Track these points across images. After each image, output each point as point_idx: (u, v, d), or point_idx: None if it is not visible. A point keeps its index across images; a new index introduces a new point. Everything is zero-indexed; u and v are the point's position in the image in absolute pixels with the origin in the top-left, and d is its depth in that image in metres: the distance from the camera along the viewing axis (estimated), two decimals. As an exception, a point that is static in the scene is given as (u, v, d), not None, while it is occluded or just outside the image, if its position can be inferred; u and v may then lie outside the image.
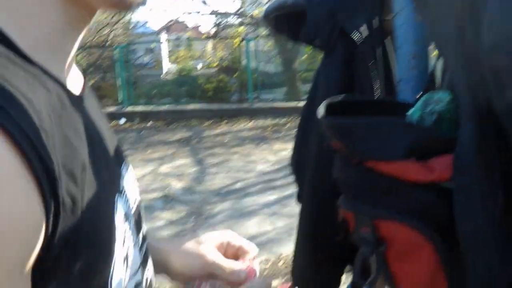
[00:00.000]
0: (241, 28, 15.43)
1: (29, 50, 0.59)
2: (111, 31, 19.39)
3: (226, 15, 14.39)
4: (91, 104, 0.75)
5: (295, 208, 1.51)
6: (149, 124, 12.31)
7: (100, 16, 20.72)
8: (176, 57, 25.79)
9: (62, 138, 0.57)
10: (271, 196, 6.05)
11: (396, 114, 0.86)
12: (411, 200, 0.78)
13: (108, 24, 19.81)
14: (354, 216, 0.85)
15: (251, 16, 14.04)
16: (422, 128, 0.80)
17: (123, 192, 0.74)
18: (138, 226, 0.81)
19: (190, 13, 14.20)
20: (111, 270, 0.65)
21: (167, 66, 25.33)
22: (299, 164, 1.43)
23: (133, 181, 0.85)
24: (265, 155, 8.26)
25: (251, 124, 11.22)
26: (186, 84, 16.16)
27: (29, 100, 0.53)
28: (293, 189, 1.47)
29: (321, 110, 0.89)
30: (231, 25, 15.66)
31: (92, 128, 0.69)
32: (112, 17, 19.48)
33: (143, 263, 0.79)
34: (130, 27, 24.61)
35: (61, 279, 0.58)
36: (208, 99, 13.90)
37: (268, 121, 11.18)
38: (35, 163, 0.51)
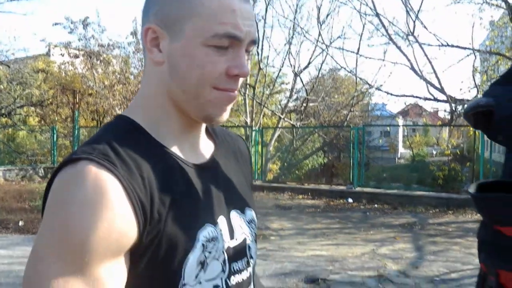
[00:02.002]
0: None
1: (158, 138, 1.09)
2: (350, 111, 20.21)
3: (462, 101, 14.32)
4: (214, 168, 1.20)
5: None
6: (375, 205, 12.67)
7: (339, 97, 21.82)
8: (411, 142, 25.85)
9: (160, 185, 1.02)
10: (486, 291, 5.97)
11: None
12: None
13: (347, 105, 20.70)
14: (486, 267, 1.17)
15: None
16: None
17: (216, 224, 1.12)
18: (239, 251, 1.18)
19: (427, 99, 14.32)
20: (185, 264, 1.04)
21: (401, 150, 25.45)
22: None
23: (246, 223, 1.23)
24: (488, 249, 8.09)
25: (478, 216, 10.96)
26: (417, 170, 16.25)
27: (133, 161, 1.01)
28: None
29: (472, 188, 1.23)
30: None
31: (201, 182, 1.13)
32: (352, 98, 20.34)
33: (228, 276, 1.14)
34: (369, 109, 25.36)
35: (148, 260, 1.01)
36: (438, 187, 13.85)
37: (498, 215, 10.83)
38: (132, 197, 0.96)
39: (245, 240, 1.21)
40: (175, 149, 1.11)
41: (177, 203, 1.05)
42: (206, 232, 1.08)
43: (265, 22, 21.01)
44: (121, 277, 0.98)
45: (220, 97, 1.07)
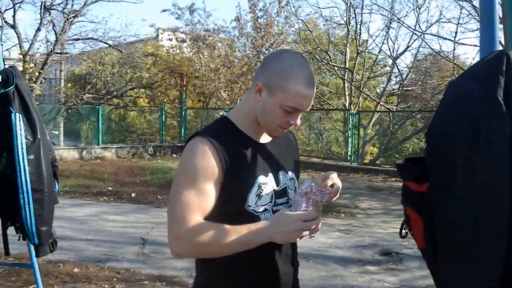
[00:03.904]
0: None
1: (242, 128, 1.99)
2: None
3: None
4: (271, 147, 2.04)
5: None
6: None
7: (442, 81, 21.54)
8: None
9: (233, 150, 1.89)
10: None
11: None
12: (415, 198, 1.70)
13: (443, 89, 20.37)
14: (403, 206, 1.80)
15: None
16: (419, 170, 1.70)
17: (268, 176, 1.95)
18: (281, 193, 1.99)
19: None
20: (248, 194, 1.89)
21: None
22: None
23: (288, 179, 2.04)
24: None
25: None
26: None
27: (223, 137, 1.91)
28: None
29: (401, 160, 1.86)
30: None
31: (262, 153, 1.99)
32: (442, 79, 19.98)
33: (274, 205, 1.94)
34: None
35: (229, 189, 1.87)
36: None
37: None
38: (219, 150, 1.86)
39: (286, 187, 2.03)
40: (249, 134, 1.98)
41: (247, 161, 1.93)
42: (260, 178, 1.93)
43: (362, 8, 21.27)
44: (214, 194, 1.85)
45: (279, 130, 1.96)
